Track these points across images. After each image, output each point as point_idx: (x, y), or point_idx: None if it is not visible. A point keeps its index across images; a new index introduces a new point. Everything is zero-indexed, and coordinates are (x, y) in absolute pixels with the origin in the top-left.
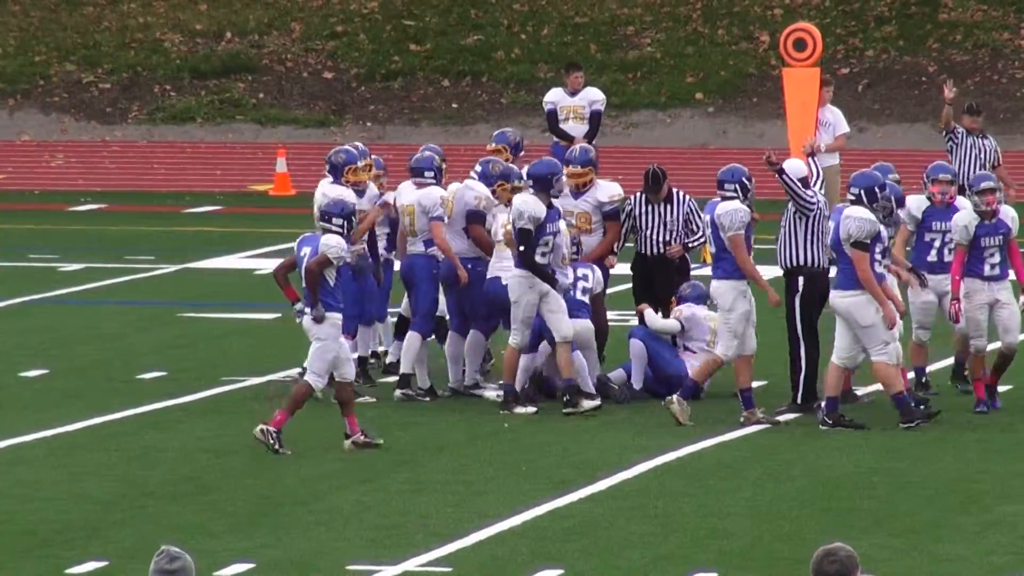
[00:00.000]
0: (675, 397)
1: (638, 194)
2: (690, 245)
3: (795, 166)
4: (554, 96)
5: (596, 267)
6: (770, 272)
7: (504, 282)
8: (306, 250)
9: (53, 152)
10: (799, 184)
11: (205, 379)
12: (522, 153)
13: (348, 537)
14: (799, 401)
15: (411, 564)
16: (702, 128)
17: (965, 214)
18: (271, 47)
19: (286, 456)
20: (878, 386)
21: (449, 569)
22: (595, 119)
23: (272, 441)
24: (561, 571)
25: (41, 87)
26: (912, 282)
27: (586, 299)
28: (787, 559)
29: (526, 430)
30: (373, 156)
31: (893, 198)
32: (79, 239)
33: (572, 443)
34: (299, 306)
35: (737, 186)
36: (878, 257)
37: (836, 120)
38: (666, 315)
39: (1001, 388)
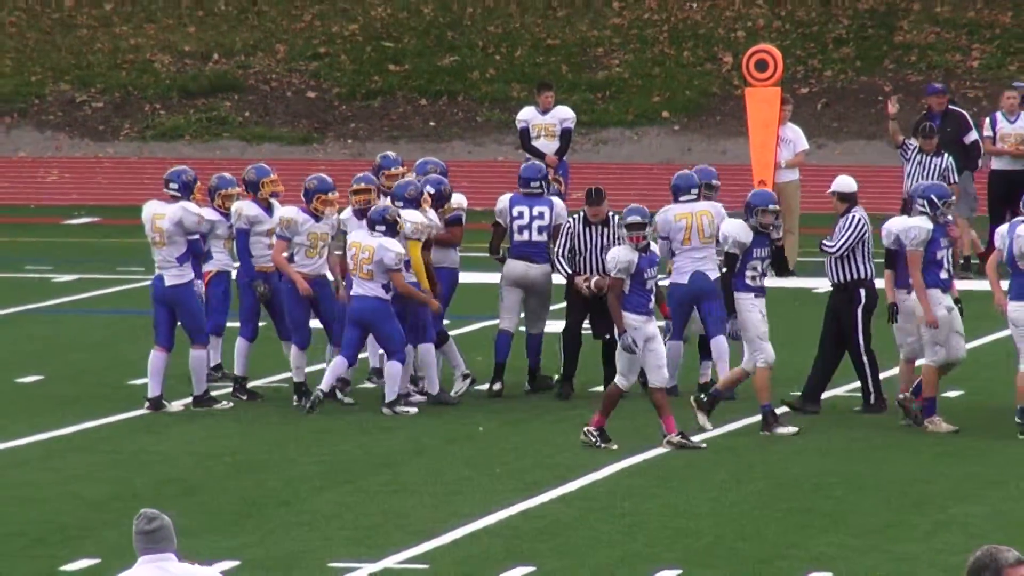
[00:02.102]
0: (929, 419)
1: (578, 215)
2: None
3: (845, 182)
4: (526, 115)
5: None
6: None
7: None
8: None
9: (48, 168)
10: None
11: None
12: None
13: (329, 536)
14: (872, 402)
15: (390, 562)
16: (668, 145)
17: None
18: (256, 67)
19: (271, 459)
20: (846, 388)
21: (426, 566)
22: (566, 136)
23: (594, 439)
24: (533, 569)
25: (36, 106)
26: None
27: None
28: (749, 557)
29: (500, 434)
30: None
31: None
32: (73, 251)
33: (544, 446)
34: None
35: (925, 203)
36: None
37: (796, 137)
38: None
39: (952, 394)
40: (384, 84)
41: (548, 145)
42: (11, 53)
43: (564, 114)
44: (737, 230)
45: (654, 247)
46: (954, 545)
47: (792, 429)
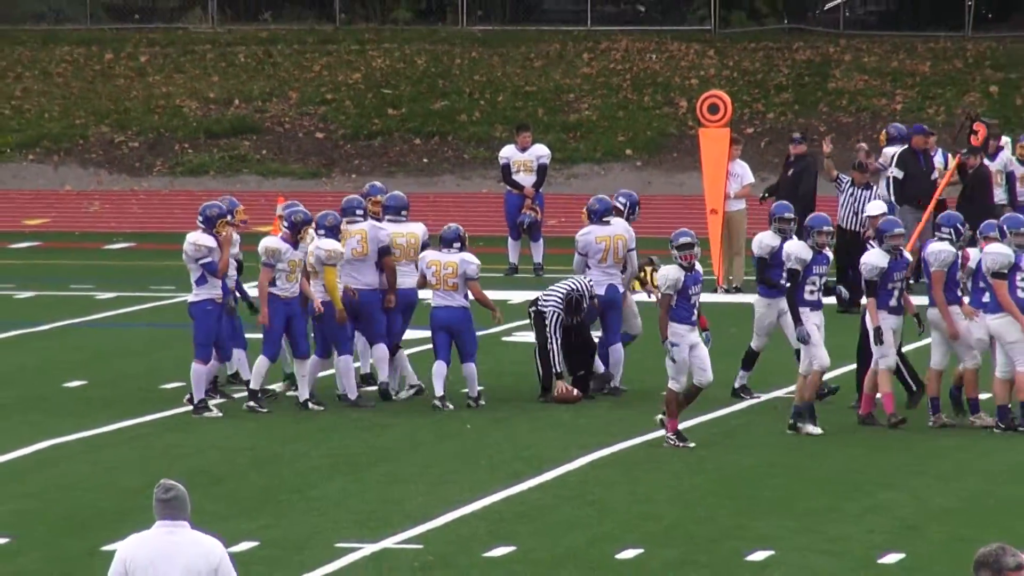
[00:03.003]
0: (976, 415)
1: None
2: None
3: (877, 206)
4: (507, 152)
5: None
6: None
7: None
8: None
9: (91, 200)
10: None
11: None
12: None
13: (336, 520)
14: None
15: (389, 542)
16: (631, 179)
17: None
18: (272, 112)
19: (285, 453)
20: (787, 390)
21: (420, 546)
22: (542, 171)
23: (674, 443)
24: (514, 548)
25: (81, 145)
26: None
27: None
28: (702, 538)
29: (486, 431)
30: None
31: None
32: (112, 272)
33: (524, 441)
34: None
35: (952, 230)
36: (1021, 284)
37: (743, 172)
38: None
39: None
40: (383, 126)
41: (526, 179)
42: (59, 100)
43: (540, 151)
44: (799, 249)
45: (699, 266)
46: (881, 526)
47: (817, 430)
